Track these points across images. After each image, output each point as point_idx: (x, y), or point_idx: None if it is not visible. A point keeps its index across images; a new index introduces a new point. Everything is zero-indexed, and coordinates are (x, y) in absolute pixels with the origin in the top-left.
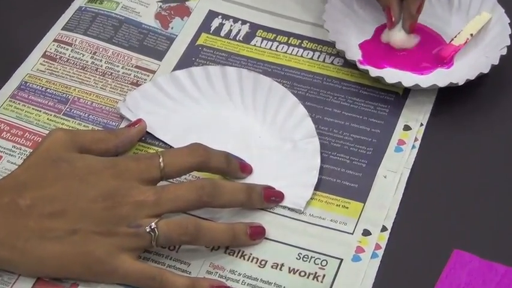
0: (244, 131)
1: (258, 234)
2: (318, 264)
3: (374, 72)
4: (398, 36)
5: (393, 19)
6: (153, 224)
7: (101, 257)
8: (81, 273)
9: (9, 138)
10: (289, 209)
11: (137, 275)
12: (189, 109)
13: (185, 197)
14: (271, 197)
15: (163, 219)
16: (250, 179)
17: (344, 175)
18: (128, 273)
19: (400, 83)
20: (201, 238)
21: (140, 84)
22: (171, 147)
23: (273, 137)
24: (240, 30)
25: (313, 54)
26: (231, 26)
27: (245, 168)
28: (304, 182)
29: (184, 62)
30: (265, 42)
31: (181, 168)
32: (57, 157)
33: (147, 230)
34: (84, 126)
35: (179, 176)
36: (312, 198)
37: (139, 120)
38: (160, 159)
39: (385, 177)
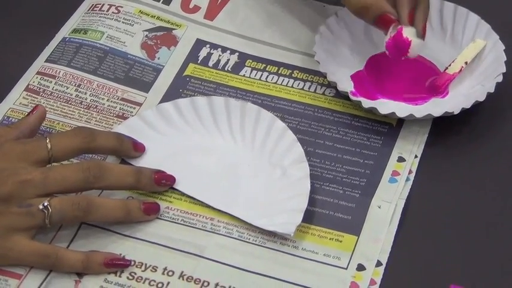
0: (233, 162)
1: (152, 210)
2: None
3: (367, 103)
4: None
5: (394, 20)
6: (45, 202)
7: None
8: None
9: None
10: (280, 241)
11: (32, 255)
12: (177, 143)
13: (72, 178)
14: (161, 180)
15: (55, 197)
16: (239, 206)
17: (337, 206)
18: (23, 253)
19: (393, 113)
20: (93, 213)
21: (126, 117)
22: None
23: (262, 163)
24: (228, 60)
25: (304, 84)
26: (220, 55)
27: (137, 147)
28: (293, 208)
29: (172, 94)
30: (254, 72)
31: (68, 149)
32: None
33: (40, 208)
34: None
35: (67, 159)
36: (305, 232)
37: (37, 106)
38: (48, 140)
39: (379, 207)
